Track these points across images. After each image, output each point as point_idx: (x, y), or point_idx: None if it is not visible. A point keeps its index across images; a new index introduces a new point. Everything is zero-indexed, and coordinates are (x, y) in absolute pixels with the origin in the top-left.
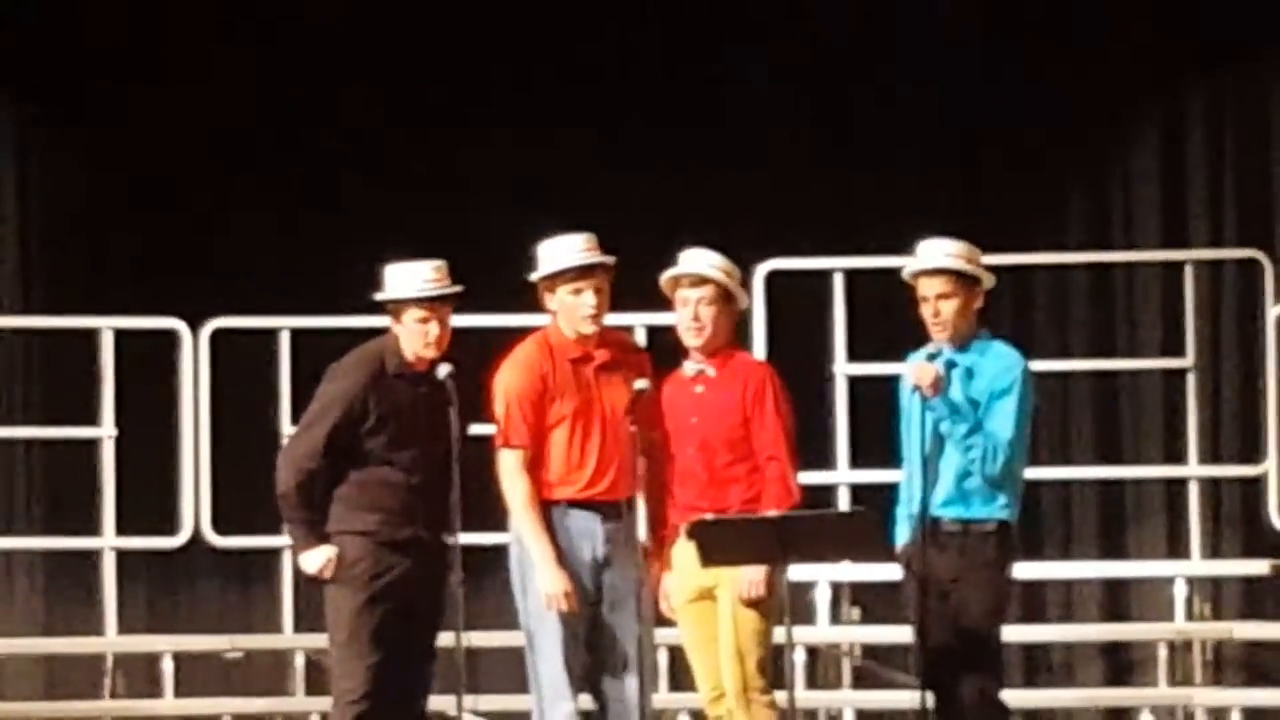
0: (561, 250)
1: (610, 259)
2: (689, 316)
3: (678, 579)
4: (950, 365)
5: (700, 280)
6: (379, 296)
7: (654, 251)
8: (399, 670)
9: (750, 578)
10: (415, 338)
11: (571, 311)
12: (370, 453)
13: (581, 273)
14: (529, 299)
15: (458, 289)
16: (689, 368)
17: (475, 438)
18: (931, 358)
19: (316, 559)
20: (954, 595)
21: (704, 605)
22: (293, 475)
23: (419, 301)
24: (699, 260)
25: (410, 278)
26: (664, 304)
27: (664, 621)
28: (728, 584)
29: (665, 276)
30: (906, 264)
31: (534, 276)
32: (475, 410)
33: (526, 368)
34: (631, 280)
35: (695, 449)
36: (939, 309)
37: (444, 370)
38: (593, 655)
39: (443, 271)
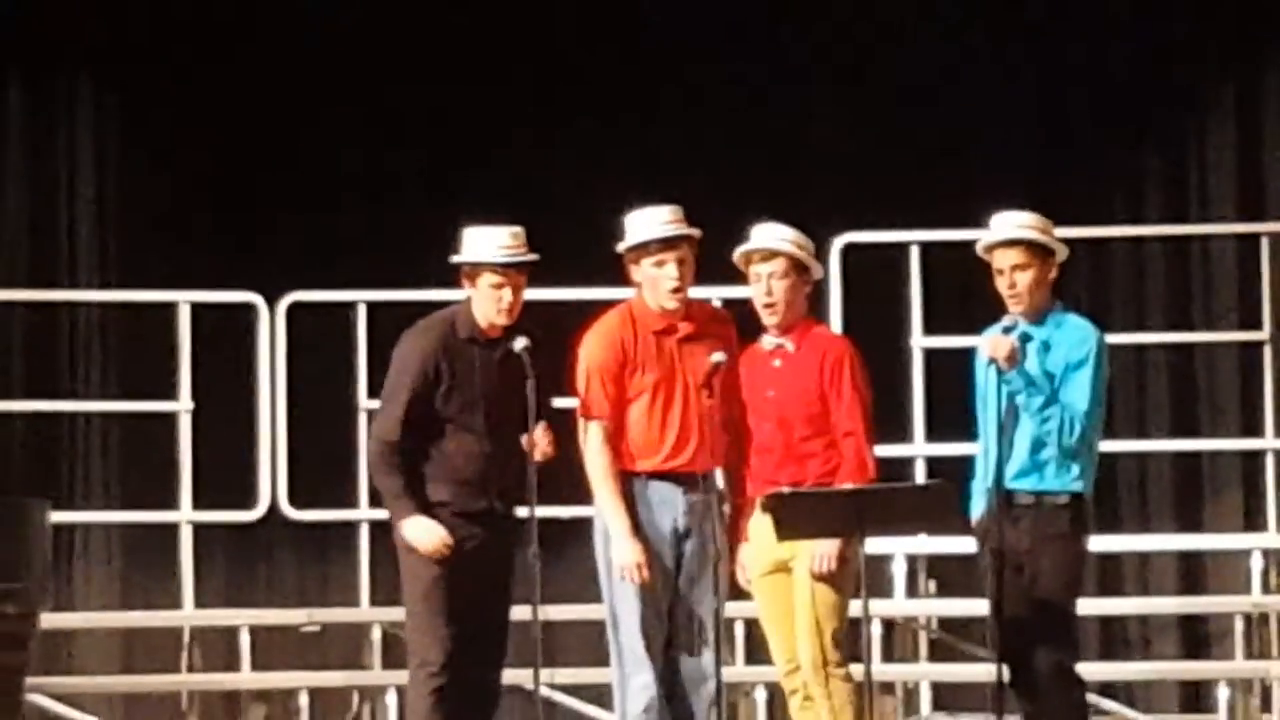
0: (646, 222)
1: (695, 231)
2: (762, 291)
3: (754, 552)
4: (1025, 338)
5: (771, 254)
6: (455, 259)
7: (733, 225)
8: (476, 642)
9: (823, 551)
10: (489, 303)
11: (655, 284)
12: (444, 419)
13: (665, 245)
14: (616, 273)
15: (534, 257)
16: (767, 341)
17: (559, 410)
18: (1007, 331)
19: (420, 530)
20: (1028, 568)
21: (780, 578)
22: (377, 446)
23: (494, 267)
24: (770, 234)
25: (487, 242)
26: (742, 278)
27: (740, 594)
28: (804, 557)
29: (738, 252)
30: (980, 237)
31: (619, 248)
32: (557, 383)
33: (607, 339)
34: (709, 254)
35: (773, 423)
36: (1015, 280)
37: (520, 344)
38: (671, 626)
39: (520, 238)
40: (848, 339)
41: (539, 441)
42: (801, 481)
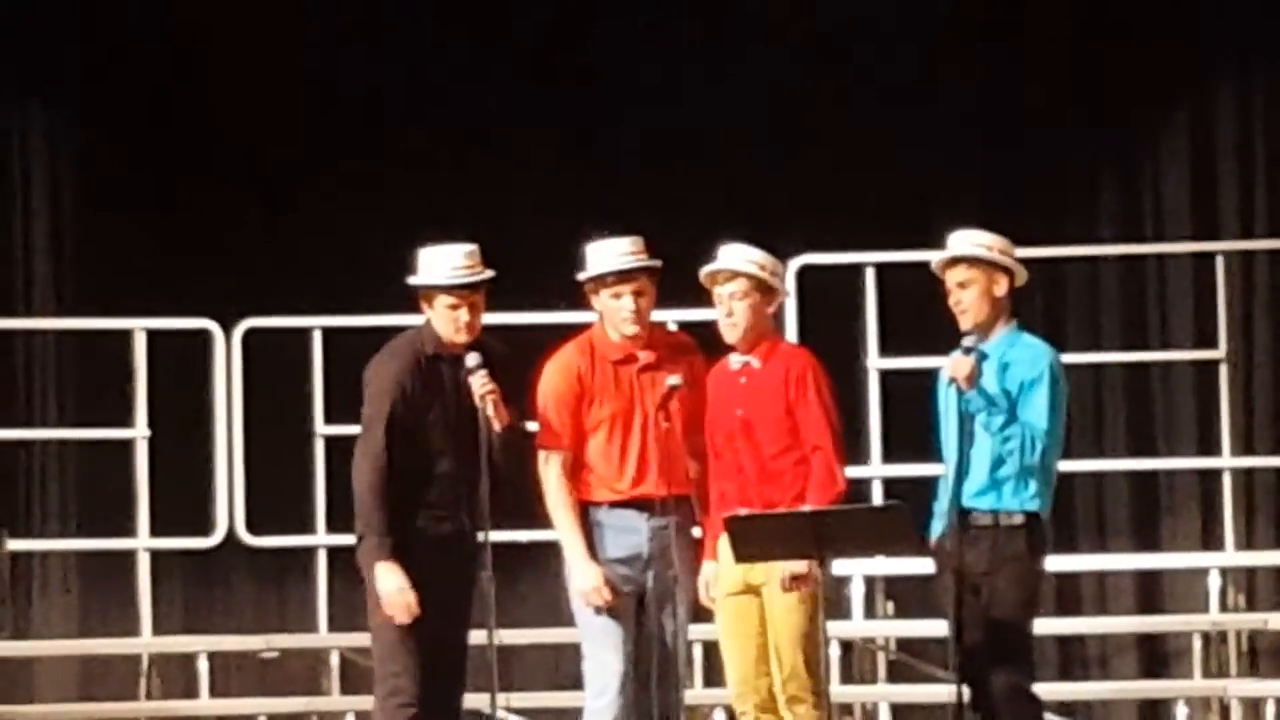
0: (605, 254)
1: (655, 263)
2: (724, 311)
3: (723, 571)
4: (982, 358)
5: (733, 275)
6: (411, 281)
7: (691, 248)
8: (439, 668)
9: (792, 569)
10: (446, 324)
11: (613, 314)
12: (418, 440)
13: (622, 277)
14: (579, 297)
15: (488, 275)
16: (734, 360)
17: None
18: (967, 351)
19: (390, 582)
20: (985, 588)
21: (746, 600)
22: (370, 475)
23: (449, 288)
24: (734, 255)
25: (442, 263)
26: (702, 301)
27: (702, 616)
28: (774, 581)
29: (703, 272)
30: (935, 258)
31: (579, 278)
32: (520, 401)
33: (564, 371)
34: (666, 275)
35: (742, 441)
36: (960, 297)
37: (471, 360)
38: (636, 651)
39: (475, 257)
40: (810, 353)
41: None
42: (774, 501)
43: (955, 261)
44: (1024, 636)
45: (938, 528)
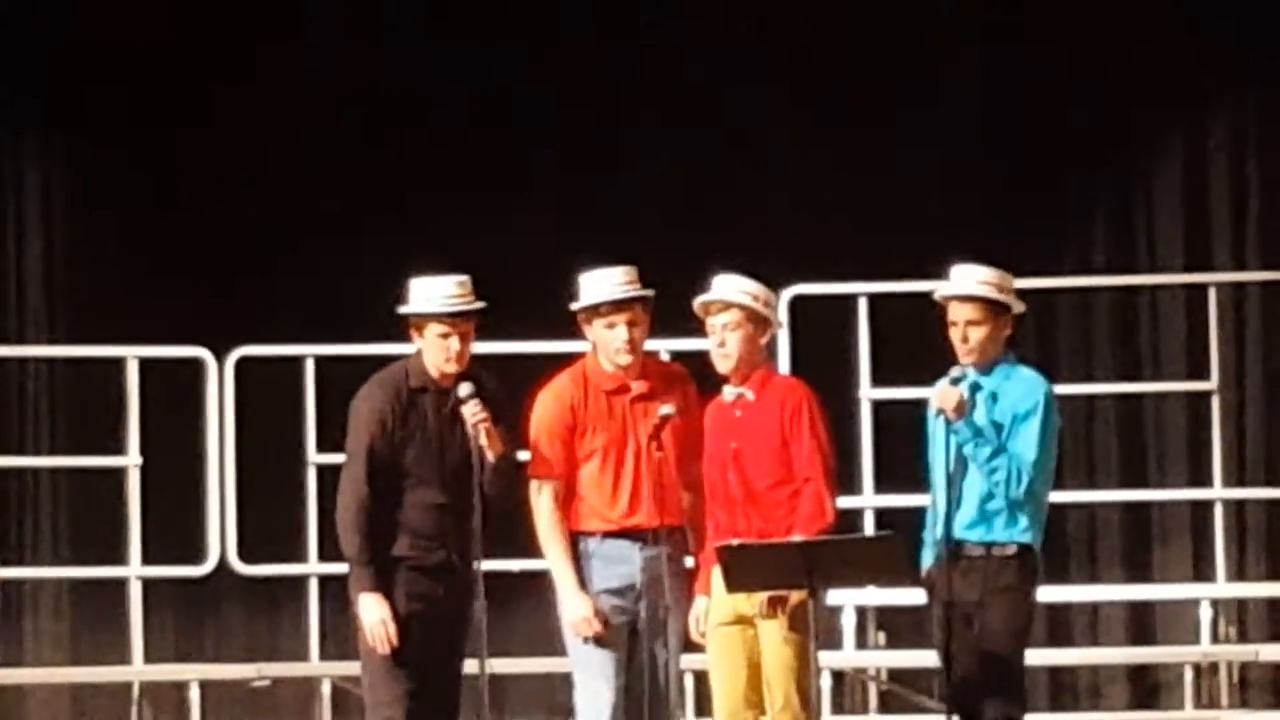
0: (599, 283)
1: (648, 292)
2: (716, 342)
3: (716, 602)
4: (975, 389)
5: (726, 306)
6: (402, 310)
7: (683, 278)
8: (430, 697)
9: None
10: (437, 353)
11: (606, 344)
12: (400, 472)
13: (616, 307)
14: (566, 327)
15: (480, 305)
16: (728, 392)
17: (519, 461)
18: (955, 381)
19: (372, 613)
20: (977, 619)
21: (736, 630)
22: (350, 504)
23: (440, 317)
24: (728, 286)
25: (433, 292)
26: (695, 331)
27: (694, 646)
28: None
29: (697, 302)
30: (939, 287)
31: (573, 308)
32: (513, 432)
33: (557, 401)
34: (659, 305)
35: (736, 473)
36: (968, 334)
37: (464, 390)
38: (628, 681)
39: (466, 287)
40: (805, 385)
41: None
42: (769, 533)
43: (964, 299)
44: (1016, 667)
45: (928, 558)
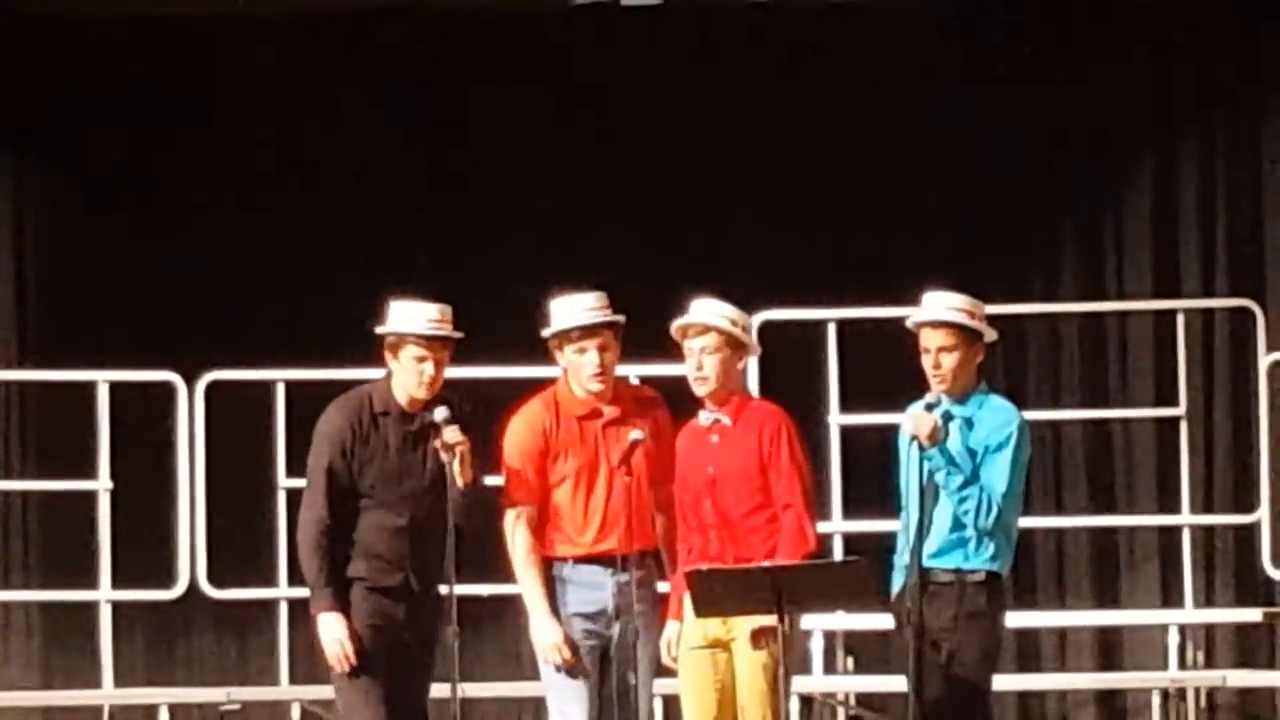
0: (569, 309)
1: (618, 318)
2: (693, 365)
3: (688, 625)
4: (948, 417)
5: (704, 329)
6: (381, 329)
7: (653, 303)
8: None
9: (758, 623)
10: (410, 375)
11: (577, 370)
12: (359, 494)
13: (586, 332)
14: (537, 353)
15: (458, 334)
16: (704, 417)
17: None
18: (930, 408)
19: (332, 631)
20: (945, 645)
21: (708, 654)
22: (310, 527)
23: (419, 339)
24: (706, 310)
25: (414, 315)
26: (665, 356)
27: (665, 670)
28: (742, 636)
29: (674, 325)
30: (911, 314)
31: (543, 334)
32: (482, 458)
33: (529, 427)
34: (629, 329)
35: (712, 499)
36: (940, 361)
37: (440, 414)
38: (600, 706)
39: (446, 315)
40: (783, 411)
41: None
42: (746, 558)
43: (936, 325)
44: (983, 693)
45: (898, 582)
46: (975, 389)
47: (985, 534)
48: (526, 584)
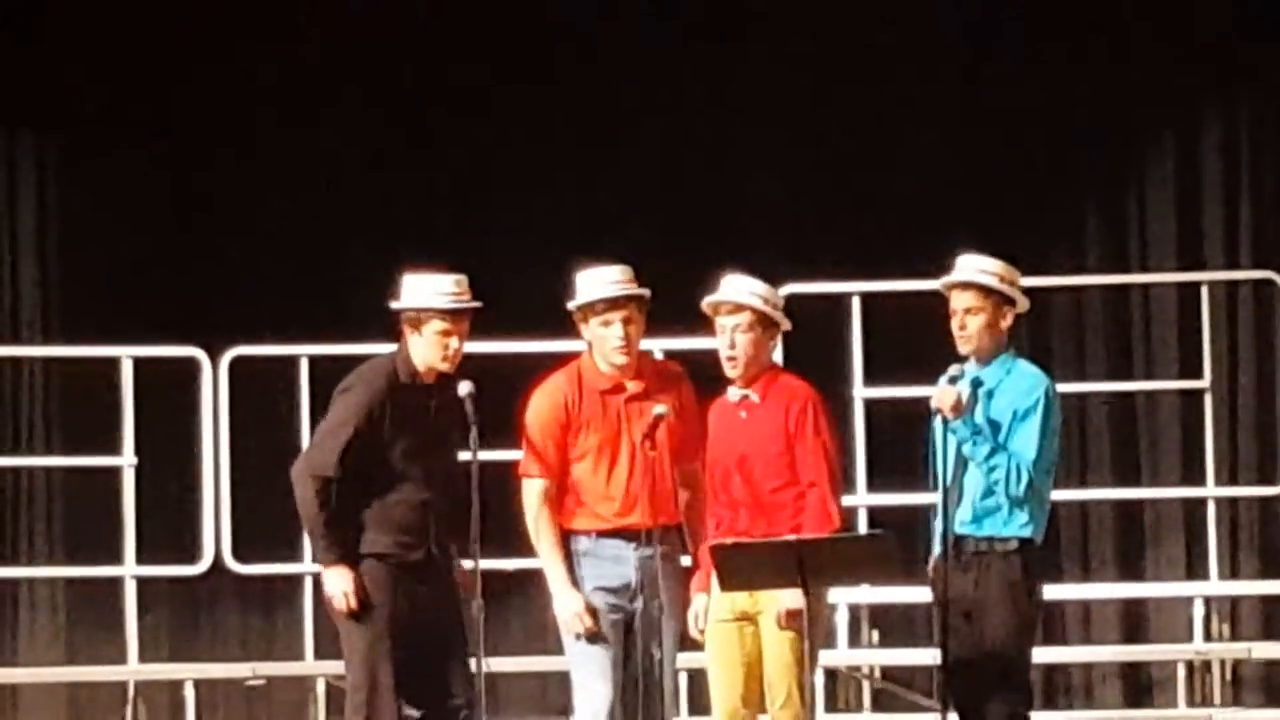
0: (594, 282)
1: (644, 291)
2: (726, 343)
3: (716, 598)
4: (976, 384)
5: (737, 308)
6: (399, 305)
7: (677, 276)
8: (427, 695)
9: (787, 604)
10: (433, 350)
11: (601, 343)
12: (387, 467)
13: (611, 305)
14: (561, 326)
15: (478, 304)
16: (733, 394)
17: (500, 461)
18: (954, 380)
19: (338, 581)
20: (978, 615)
21: (736, 627)
22: (310, 484)
23: (442, 312)
24: (738, 287)
25: (433, 288)
26: (687, 330)
27: (689, 645)
28: (769, 610)
29: (706, 301)
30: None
31: (569, 306)
32: (502, 434)
33: (551, 400)
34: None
35: (741, 475)
36: (965, 322)
37: (465, 388)
38: (624, 680)
39: (464, 285)
40: (812, 387)
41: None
42: (773, 534)
43: (965, 286)
44: (1020, 664)
45: (937, 553)
46: (1002, 356)
47: (1017, 502)
48: (544, 555)
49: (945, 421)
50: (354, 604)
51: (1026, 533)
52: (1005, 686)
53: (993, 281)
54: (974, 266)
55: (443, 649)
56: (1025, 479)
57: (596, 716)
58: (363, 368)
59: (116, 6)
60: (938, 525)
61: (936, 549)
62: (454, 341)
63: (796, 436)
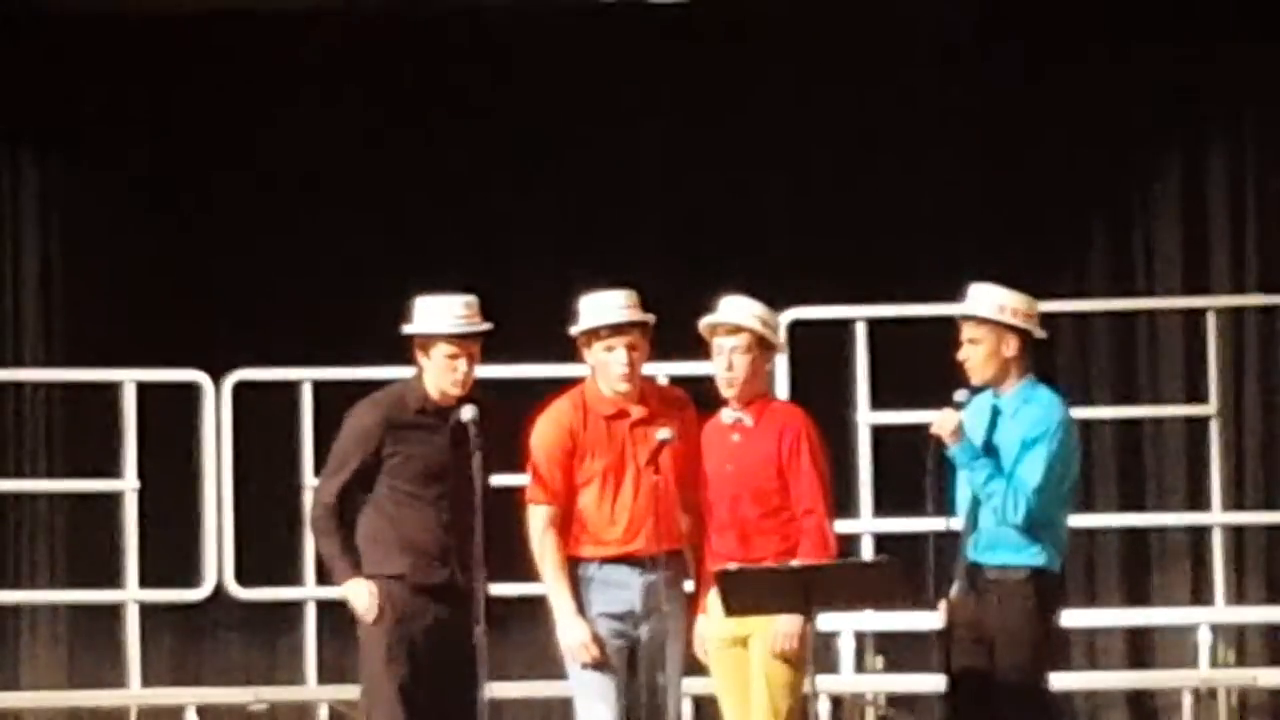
0: (598, 307)
1: (648, 317)
2: (723, 365)
3: (713, 624)
4: (995, 411)
5: (735, 329)
6: (409, 329)
7: (681, 300)
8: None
9: (784, 630)
10: (443, 374)
11: (605, 368)
12: (398, 491)
13: (615, 330)
14: (561, 351)
15: (488, 326)
16: (726, 415)
17: (506, 487)
18: (959, 406)
19: (354, 592)
20: (990, 643)
21: (736, 652)
22: (316, 510)
23: (450, 337)
24: (737, 309)
25: (441, 312)
26: (691, 355)
27: (695, 670)
28: (760, 635)
29: (703, 323)
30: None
31: (572, 331)
32: (509, 457)
33: (556, 426)
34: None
35: (730, 498)
36: (968, 354)
37: (467, 414)
38: (630, 706)
39: (474, 308)
40: (805, 413)
41: None
42: (760, 559)
43: (966, 317)
44: (1035, 694)
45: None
46: (1021, 383)
47: (1019, 529)
48: (550, 582)
49: (941, 447)
50: (375, 612)
51: (1040, 561)
52: (1020, 717)
53: (990, 313)
54: (977, 297)
55: (456, 672)
56: (1024, 507)
57: None
58: (372, 395)
59: (122, 25)
60: (960, 556)
61: (957, 583)
62: (462, 364)
63: (789, 464)
